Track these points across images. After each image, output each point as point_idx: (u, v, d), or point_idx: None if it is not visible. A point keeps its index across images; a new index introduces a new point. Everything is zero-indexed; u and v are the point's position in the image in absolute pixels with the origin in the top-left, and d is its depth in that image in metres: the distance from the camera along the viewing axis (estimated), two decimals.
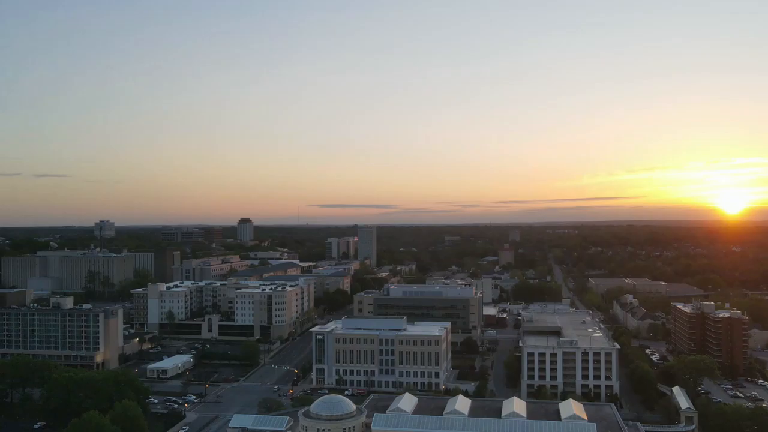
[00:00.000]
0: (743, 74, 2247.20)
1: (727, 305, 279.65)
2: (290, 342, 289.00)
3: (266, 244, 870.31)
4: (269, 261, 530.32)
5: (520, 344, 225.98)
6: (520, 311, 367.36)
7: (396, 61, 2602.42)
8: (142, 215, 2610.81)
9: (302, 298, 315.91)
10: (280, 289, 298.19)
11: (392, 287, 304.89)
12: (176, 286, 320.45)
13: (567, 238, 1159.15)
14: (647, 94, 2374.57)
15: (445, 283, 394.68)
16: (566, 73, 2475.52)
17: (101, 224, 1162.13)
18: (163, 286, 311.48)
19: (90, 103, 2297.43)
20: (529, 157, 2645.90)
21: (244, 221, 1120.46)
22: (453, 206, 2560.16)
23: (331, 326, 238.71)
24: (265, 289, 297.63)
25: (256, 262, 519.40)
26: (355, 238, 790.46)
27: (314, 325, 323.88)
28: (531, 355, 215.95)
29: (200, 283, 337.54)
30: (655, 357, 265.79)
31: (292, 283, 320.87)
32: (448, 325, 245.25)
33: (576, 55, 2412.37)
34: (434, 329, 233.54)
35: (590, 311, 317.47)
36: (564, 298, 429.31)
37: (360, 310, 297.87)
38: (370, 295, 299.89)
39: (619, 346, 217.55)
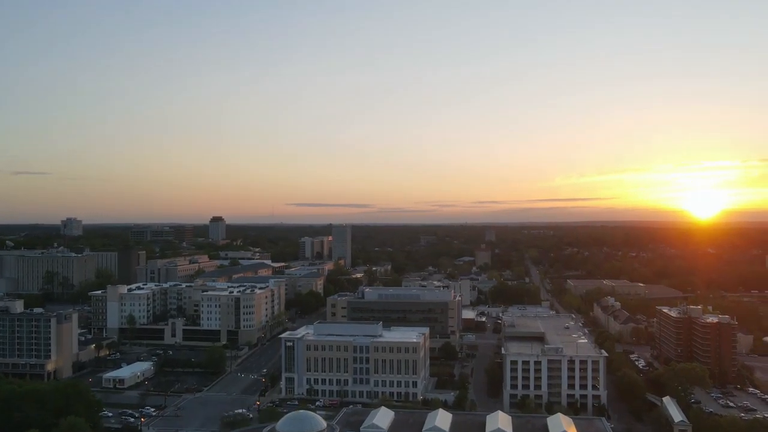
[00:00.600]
0: (710, 78, 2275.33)
1: (709, 308, 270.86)
2: (259, 348, 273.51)
3: (238, 243, 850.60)
4: (240, 261, 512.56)
5: (503, 351, 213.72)
6: (500, 315, 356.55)
7: (376, 62, 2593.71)
8: (115, 213, 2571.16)
9: (272, 300, 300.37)
10: (248, 291, 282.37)
11: (367, 290, 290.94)
12: (138, 288, 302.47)
13: (542, 239, 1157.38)
14: (617, 98, 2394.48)
15: (422, 285, 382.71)
16: (542, 78, 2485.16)
17: (67, 222, 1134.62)
18: (123, 288, 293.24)
19: (67, 101, 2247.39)
20: (503, 158, 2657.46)
21: (216, 220, 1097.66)
22: (430, 206, 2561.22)
23: (301, 332, 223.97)
24: (232, 292, 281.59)
25: (226, 263, 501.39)
26: (330, 238, 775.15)
27: (285, 330, 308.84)
28: (514, 363, 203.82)
29: (164, 285, 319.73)
30: (641, 363, 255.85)
31: (262, 285, 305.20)
32: (426, 330, 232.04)
33: (551, 60, 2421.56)
34: (412, 335, 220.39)
35: (572, 315, 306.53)
36: (543, 300, 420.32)
37: (333, 314, 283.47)
38: (343, 298, 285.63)
39: (606, 354, 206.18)
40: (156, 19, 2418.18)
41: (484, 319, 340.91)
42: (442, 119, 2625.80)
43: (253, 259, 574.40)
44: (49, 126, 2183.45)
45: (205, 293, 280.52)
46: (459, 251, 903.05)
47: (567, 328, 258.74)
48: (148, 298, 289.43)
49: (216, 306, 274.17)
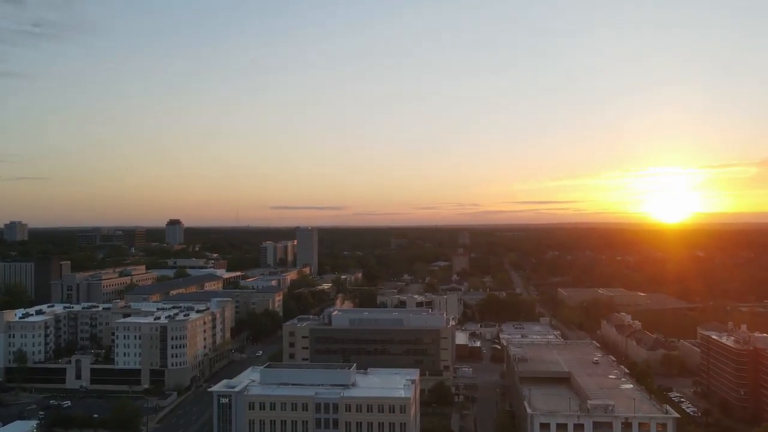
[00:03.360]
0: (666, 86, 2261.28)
1: (744, 327, 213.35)
2: (192, 392, 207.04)
3: (194, 249, 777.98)
4: (188, 270, 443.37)
5: (527, 408, 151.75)
6: (496, 338, 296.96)
7: (352, 65, 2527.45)
8: (70, 217, 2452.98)
9: (214, 327, 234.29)
10: (180, 317, 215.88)
11: (335, 313, 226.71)
12: (38, 313, 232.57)
13: (518, 242, 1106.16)
14: (570, 107, 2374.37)
15: (401, 301, 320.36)
16: (510, 86, 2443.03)
17: (10, 226, 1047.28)
18: (12, 314, 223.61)
19: (19, 98, 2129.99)
20: (461, 163, 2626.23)
21: (173, 223, 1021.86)
22: (405, 209, 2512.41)
23: (243, 380, 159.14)
24: (159, 318, 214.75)
25: (170, 273, 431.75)
26: (294, 242, 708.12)
27: (230, 363, 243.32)
28: (545, 427, 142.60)
29: (75, 308, 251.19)
30: (688, 407, 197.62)
31: (201, 307, 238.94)
32: (415, 374, 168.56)
33: (501, 66, 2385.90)
34: (397, 383, 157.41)
35: (595, 344, 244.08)
36: (541, 315, 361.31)
37: (291, 345, 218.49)
38: (305, 325, 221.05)
39: (677, 415, 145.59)
40: (126, 13, 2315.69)
41: (478, 343, 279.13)
42: (413, 122, 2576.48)
43: (206, 267, 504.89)
44: None
45: (121, 321, 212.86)
46: (433, 255, 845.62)
47: (596, 362, 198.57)
48: (46, 327, 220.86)
49: (135, 337, 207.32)
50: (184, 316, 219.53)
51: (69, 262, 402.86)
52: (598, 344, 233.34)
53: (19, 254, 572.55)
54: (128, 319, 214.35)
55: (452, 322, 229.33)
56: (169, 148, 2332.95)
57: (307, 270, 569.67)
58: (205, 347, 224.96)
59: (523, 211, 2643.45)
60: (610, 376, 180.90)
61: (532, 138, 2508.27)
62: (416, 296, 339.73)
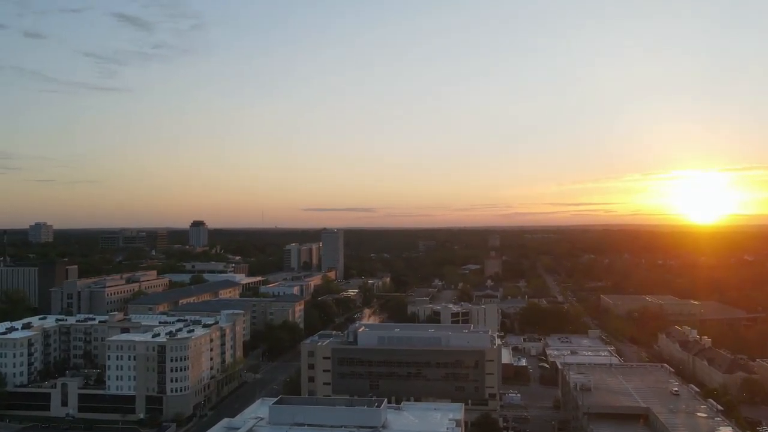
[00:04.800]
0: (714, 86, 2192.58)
1: None
2: (195, 424, 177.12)
3: (216, 251, 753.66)
4: (205, 275, 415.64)
5: None
6: (542, 355, 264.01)
7: (378, 67, 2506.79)
8: (98, 218, 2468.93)
9: (223, 344, 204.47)
10: (182, 333, 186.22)
11: (361, 329, 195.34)
12: (25, 327, 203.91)
13: (550, 244, 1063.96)
14: (591, 110, 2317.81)
15: (436, 312, 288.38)
16: (540, 86, 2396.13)
17: (35, 227, 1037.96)
18: None
19: (44, 96, 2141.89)
20: (489, 164, 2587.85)
21: (197, 224, 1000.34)
22: (432, 210, 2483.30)
23: (247, 419, 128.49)
24: (158, 334, 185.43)
25: (187, 278, 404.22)
26: (319, 244, 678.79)
27: (242, 385, 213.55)
28: None
29: (69, 320, 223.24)
30: None
31: (209, 320, 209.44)
32: (460, 410, 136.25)
33: (529, 68, 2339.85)
34: (438, 422, 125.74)
35: (668, 368, 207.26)
36: (591, 328, 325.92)
37: (310, 368, 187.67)
38: (326, 343, 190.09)
39: None
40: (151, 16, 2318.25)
41: (523, 361, 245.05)
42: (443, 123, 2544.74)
43: (225, 271, 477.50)
44: (22, 123, 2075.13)
45: (113, 339, 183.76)
46: (462, 258, 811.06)
47: (676, 393, 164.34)
48: (30, 344, 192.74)
49: (129, 358, 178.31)
50: (188, 332, 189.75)
51: (76, 266, 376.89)
52: (671, 368, 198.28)
53: (38, 256, 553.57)
54: (120, 337, 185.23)
55: (498, 341, 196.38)
56: (198, 149, 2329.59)
57: (332, 274, 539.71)
58: (211, 368, 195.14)
59: (551, 213, 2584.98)
60: (700, 414, 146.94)
61: (553, 140, 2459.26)
62: (451, 306, 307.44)
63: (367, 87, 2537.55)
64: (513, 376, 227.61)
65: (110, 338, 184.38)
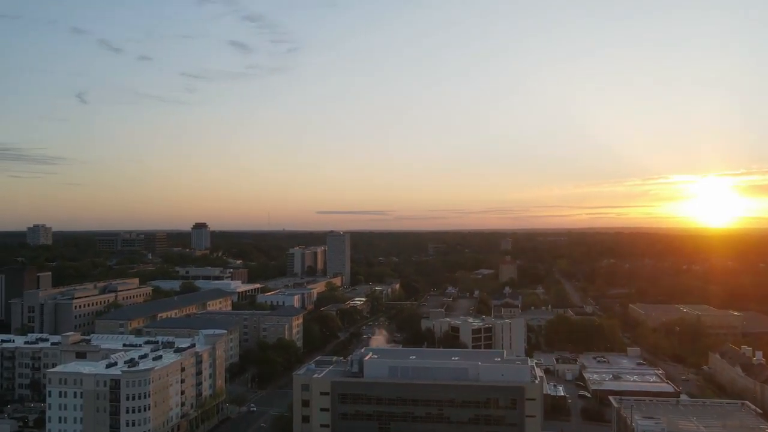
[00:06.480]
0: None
1: None
2: None
3: (217, 255, 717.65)
4: (198, 282, 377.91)
5: None
6: (580, 379, 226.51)
7: (399, 65, 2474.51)
8: (99, 219, 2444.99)
9: (199, 373, 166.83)
10: (144, 363, 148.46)
11: (369, 357, 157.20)
12: None
13: (566, 247, 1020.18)
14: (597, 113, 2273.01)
15: (453, 327, 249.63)
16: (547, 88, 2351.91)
17: (34, 229, 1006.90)
18: None
19: (49, 95, 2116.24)
20: (499, 166, 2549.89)
21: (199, 226, 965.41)
22: (444, 213, 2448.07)
23: None
24: (115, 363, 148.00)
25: (177, 285, 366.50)
26: (325, 248, 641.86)
27: (224, 420, 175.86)
28: None
29: (16, 341, 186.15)
30: None
31: (185, 343, 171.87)
32: None
33: (539, 70, 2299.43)
34: None
35: (749, 406, 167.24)
36: (630, 346, 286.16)
37: (305, 405, 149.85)
38: (324, 374, 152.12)
39: None
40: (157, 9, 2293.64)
41: (561, 390, 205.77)
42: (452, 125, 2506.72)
43: (222, 277, 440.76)
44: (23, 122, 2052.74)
45: (54, 371, 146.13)
46: (474, 262, 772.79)
47: None
48: None
49: (75, 395, 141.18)
50: (154, 359, 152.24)
51: (49, 273, 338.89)
52: (753, 405, 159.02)
53: (28, 260, 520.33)
54: (64, 368, 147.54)
55: (539, 373, 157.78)
56: (204, 150, 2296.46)
57: (337, 281, 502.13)
58: (183, 404, 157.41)
59: (561, 216, 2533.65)
60: None
61: (563, 143, 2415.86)
62: (471, 320, 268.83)
63: (381, 89, 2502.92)
64: (549, 408, 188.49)
65: (51, 369, 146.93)
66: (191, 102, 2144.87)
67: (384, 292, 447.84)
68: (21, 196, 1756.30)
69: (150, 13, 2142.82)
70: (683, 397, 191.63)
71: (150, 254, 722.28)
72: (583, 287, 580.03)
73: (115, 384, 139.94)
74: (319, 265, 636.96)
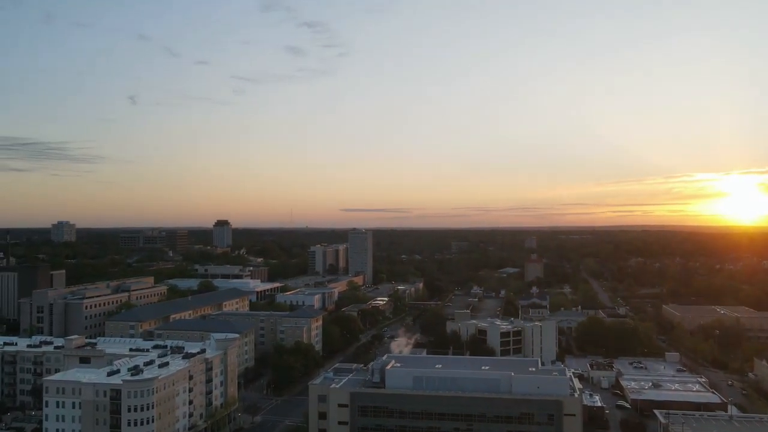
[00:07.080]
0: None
1: None
2: None
3: (238, 253, 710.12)
4: (216, 281, 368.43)
5: None
6: (617, 387, 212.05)
7: (420, 65, 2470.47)
8: (124, 216, 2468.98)
9: (209, 380, 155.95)
10: (149, 371, 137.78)
11: (391, 365, 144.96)
12: None
13: (592, 246, 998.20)
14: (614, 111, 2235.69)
15: (481, 330, 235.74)
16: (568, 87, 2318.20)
17: (58, 226, 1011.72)
18: None
19: (69, 93, 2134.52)
20: (518, 164, 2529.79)
21: (221, 224, 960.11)
22: (467, 211, 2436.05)
23: None
24: (119, 370, 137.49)
25: (195, 284, 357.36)
26: (347, 246, 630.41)
27: (236, 431, 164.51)
28: None
29: (19, 344, 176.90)
30: None
31: (194, 348, 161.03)
32: None
33: (558, 70, 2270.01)
34: None
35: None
36: (666, 351, 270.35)
37: (322, 417, 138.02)
38: (342, 384, 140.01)
39: None
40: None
41: (597, 400, 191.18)
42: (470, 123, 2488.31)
43: (241, 276, 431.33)
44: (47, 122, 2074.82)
45: (51, 379, 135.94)
46: (498, 260, 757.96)
47: None
48: None
49: (73, 405, 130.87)
50: (160, 366, 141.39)
51: (63, 271, 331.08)
52: None
53: (49, 257, 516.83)
54: (63, 376, 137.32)
55: (578, 385, 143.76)
56: (224, 148, 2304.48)
57: (359, 279, 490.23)
58: (191, 414, 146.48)
59: (584, 214, 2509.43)
60: None
61: (580, 141, 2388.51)
62: (499, 322, 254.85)
63: (405, 87, 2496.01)
64: (588, 420, 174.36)
65: (48, 377, 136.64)
66: (236, 103, 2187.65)
67: (407, 291, 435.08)
68: (55, 194, 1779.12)
69: (215, 20, 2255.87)
70: (732, 409, 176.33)
71: (171, 252, 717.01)
72: (612, 287, 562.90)
73: (116, 394, 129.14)
74: (341, 264, 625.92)
